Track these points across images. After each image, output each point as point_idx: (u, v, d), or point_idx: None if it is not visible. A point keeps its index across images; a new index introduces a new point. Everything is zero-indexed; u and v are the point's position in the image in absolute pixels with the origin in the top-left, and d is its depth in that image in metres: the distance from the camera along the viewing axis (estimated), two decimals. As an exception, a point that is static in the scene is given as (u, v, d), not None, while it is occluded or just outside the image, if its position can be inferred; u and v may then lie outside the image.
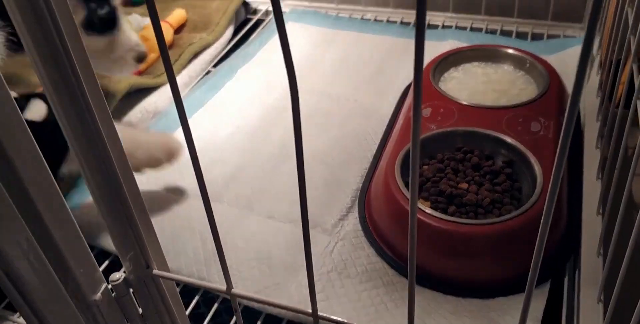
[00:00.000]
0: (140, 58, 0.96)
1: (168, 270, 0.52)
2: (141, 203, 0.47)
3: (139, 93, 1.15)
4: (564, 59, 1.13)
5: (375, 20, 1.39)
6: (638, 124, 0.62)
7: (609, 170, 0.73)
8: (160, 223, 0.87)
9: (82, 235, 0.44)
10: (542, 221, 0.32)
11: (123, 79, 1.11)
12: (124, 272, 0.50)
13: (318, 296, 0.70)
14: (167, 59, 0.33)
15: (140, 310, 0.53)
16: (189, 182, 0.94)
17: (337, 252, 0.80)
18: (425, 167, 0.83)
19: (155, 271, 0.50)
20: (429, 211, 0.74)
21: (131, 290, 0.51)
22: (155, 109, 1.13)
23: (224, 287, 0.46)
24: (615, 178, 0.66)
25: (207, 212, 0.41)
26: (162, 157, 0.85)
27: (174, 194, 0.92)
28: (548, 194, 0.31)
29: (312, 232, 0.83)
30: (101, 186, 0.44)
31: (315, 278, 0.74)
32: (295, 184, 0.36)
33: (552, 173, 0.30)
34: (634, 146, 0.91)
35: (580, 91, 0.27)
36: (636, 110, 0.62)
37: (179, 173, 0.94)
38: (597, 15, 0.25)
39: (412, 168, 0.31)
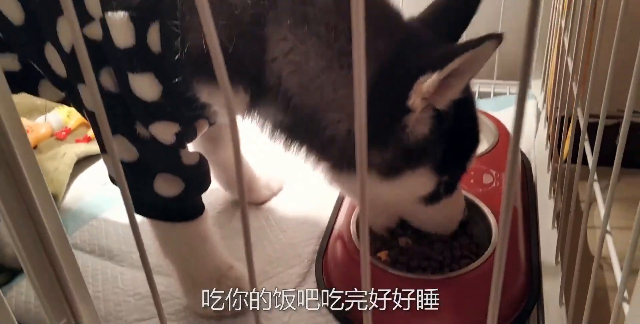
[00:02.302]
0: None
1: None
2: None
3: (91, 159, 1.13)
4: (512, 114, 1.15)
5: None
6: (587, 178, 0.63)
7: (563, 222, 0.73)
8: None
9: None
10: (494, 272, 0.30)
11: (68, 150, 1.09)
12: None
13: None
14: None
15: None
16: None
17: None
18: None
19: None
20: (388, 269, 0.72)
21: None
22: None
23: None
24: (569, 230, 0.66)
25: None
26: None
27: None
28: (498, 244, 0.29)
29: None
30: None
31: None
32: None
33: (500, 223, 0.28)
34: (584, 198, 0.92)
35: (518, 143, 0.26)
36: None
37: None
38: (528, 70, 0.25)
39: (361, 229, 0.29)
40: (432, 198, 0.65)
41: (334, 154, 0.59)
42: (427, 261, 0.75)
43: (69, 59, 0.60)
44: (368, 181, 0.52)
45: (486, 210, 0.79)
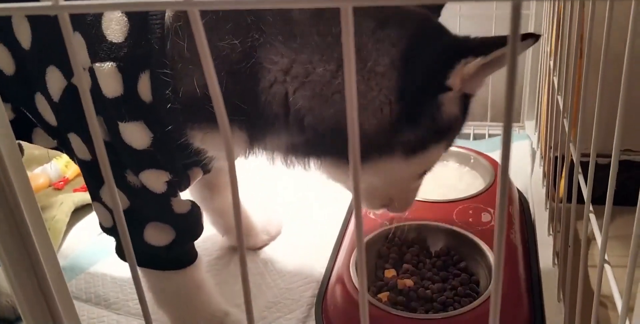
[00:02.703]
0: None
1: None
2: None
3: (88, 208, 1.13)
4: (507, 155, 1.16)
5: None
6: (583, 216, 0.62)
7: (563, 260, 0.72)
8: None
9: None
10: (490, 309, 0.30)
11: (66, 199, 1.09)
12: None
13: None
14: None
15: None
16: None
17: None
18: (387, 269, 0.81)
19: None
20: (390, 309, 0.71)
21: None
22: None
23: None
24: (569, 269, 0.65)
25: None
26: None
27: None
28: (492, 281, 0.29)
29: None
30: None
31: None
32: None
33: (494, 258, 0.28)
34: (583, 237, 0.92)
35: (506, 179, 0.27)
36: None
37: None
38: (510, 111, 0.25)
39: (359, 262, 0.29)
40: (423, 173, 0.69)
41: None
42: (430, 303, 0.74)
43: (58, 107, 0.61)
44: (389, 161, 0.60)
45: (485, 248, 0.79)
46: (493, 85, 1.35)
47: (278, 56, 0.55)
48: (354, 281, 0.77)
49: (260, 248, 0.99)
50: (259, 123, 0.58)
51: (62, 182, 1.23)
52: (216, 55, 0.54)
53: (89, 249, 1.03)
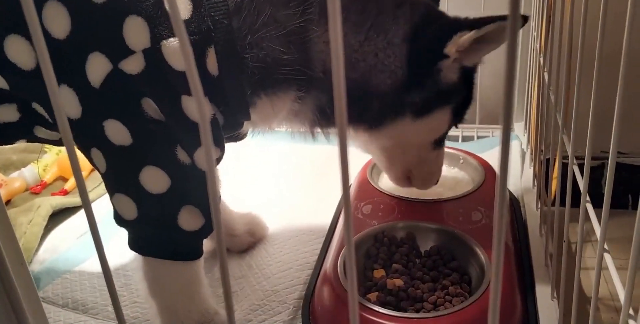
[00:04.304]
0: None
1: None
2: None
3: (66, 212, 1.09)
4: (497, 155, 1.14)
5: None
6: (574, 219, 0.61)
7: (556, 260, 0.70)
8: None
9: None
10: (489, 308, 0.28)
11: (43, 202, 1.06)
12: None
13: None
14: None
15: None
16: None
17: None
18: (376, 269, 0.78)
19: None
20: (379, 309, 0.68)
21: None
22: (81, 228, 1.06)
23: None
24: (563, 270, 0.63)
25: None
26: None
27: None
28: (492, 279, 0.27)
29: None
30: None
31: None
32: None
33: (493, 258, 0.26)
34: (574, 240, 0.90)
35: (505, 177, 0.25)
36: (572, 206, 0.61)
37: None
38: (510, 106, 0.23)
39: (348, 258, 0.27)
40: (437, 143, 0.79)
41: (370, 113, 0.70)
42: (420, 303, 0.71)
43: (97, 94, 0.60)
44: (401, 123, 0.71)
45: (476, 247, 0.77)
46: (481, 88, 1.34)
47: (324, 32, 0.64)
48: (342, 281, 0.74)
49: (245, 250, 0.96)
50: (308, 83, 0.66)
51: (39, 187, 1.19)
52: (283, 27, 0.62)
53: (67, 253, 0.99)
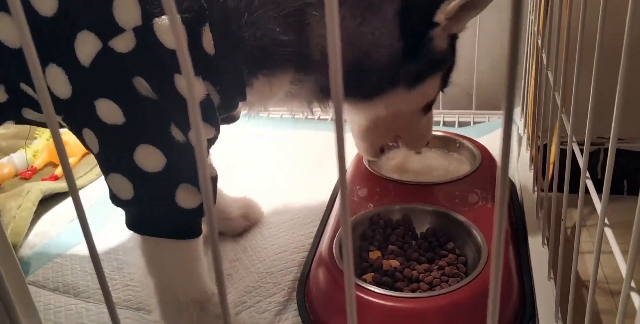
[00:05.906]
0: None
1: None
2: None
3: (57, 197, 1.08)
4: (493, 140, 1.14)
5: (307, 118, 1.39)
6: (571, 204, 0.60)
7: (553, 243, 0.69)
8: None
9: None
10: (490, 287, 0.27)
11: (33, 187, 1.04)
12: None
13: None
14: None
15: None
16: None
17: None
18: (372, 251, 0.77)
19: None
20: (375, 288, 0.67)
21: None
22: (72, 213, 1.04)
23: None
24: (561, 253, 0.62)
25: None
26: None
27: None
28: (492, 259, 0.26)
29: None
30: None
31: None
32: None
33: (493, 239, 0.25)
34: (572, 224, 0.89)
35: (507, 158, 0.24)
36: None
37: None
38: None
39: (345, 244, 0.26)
40: (427, 108, 0.81)
41: (368, 87, 0.71)
42: (416, 283, 0.71)
43: (87, 73, 0.59)
44: (395, 94, 0.73)
45: (473, 228, 0.76)
46: (477, 75, 1.33)
47: (321, 12, 0.63)
48: (337, 263, 0.73)
49: (240, 234, 0.94)
50: (305, 66, 0.67)
51: (29, 172, 1.17)
52: (280, 9, 0.62)
53: (58, 238, 0.98)
